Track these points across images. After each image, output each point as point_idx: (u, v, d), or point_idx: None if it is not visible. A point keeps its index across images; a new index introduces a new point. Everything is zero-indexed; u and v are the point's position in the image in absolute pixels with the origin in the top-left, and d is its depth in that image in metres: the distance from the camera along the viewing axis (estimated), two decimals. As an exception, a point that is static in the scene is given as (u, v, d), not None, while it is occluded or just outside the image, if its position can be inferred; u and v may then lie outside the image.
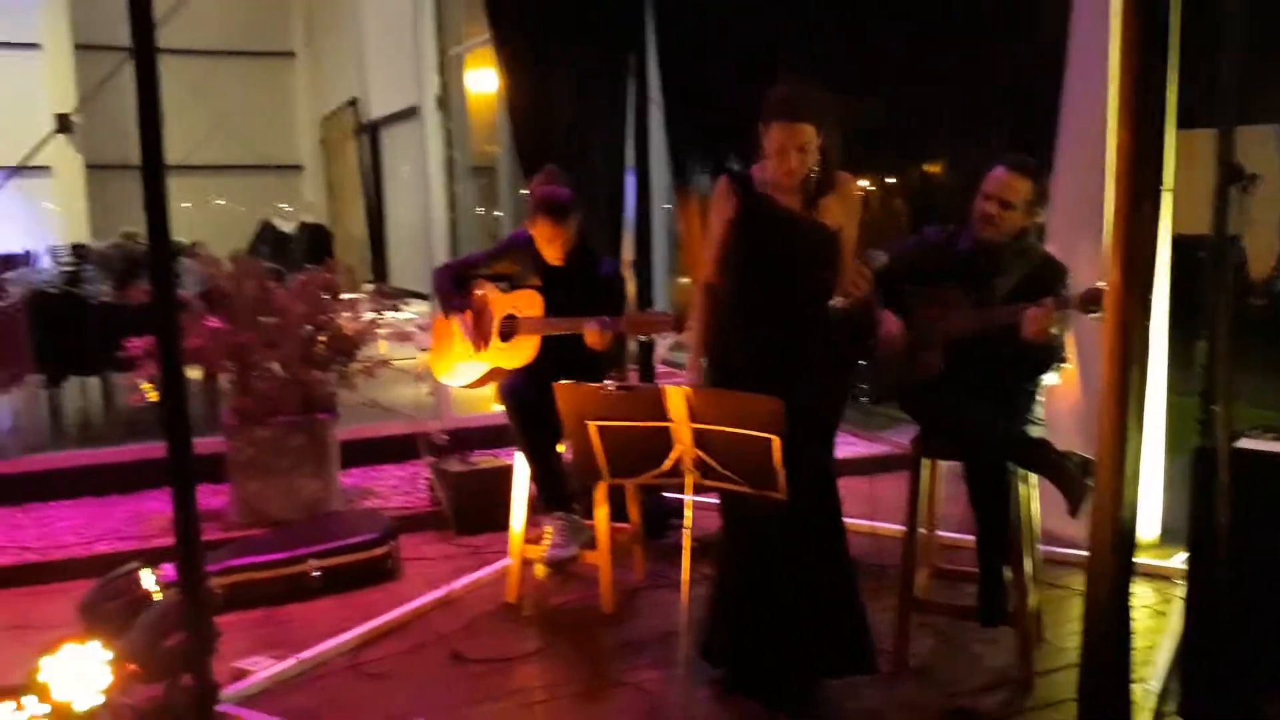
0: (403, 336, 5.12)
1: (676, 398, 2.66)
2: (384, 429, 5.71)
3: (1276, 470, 2.73)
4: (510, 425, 3.81)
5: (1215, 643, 2.79)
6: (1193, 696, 2.90)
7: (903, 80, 6.17)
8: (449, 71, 9.84)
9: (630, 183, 4.96)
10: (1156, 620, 3.63)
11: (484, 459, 4.92)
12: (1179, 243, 3.96)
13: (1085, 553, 2.57)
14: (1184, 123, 3.86)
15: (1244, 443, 2.78)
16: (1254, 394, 3.76)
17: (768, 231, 3.01)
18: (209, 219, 14.80)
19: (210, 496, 4.73)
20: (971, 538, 3.34)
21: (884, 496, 4.09)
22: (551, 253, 3.87)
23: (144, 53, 2.77)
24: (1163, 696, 3.02)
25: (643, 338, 4.80)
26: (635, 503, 4.03)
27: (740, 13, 4.74)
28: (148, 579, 3.37)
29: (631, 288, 4.82)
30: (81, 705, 2.78)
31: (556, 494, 3.82)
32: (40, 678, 2.75)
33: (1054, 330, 3.10)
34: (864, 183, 8.02)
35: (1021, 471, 3.24)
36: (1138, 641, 3.02)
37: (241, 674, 3.30)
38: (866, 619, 3.13)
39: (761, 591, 3.07)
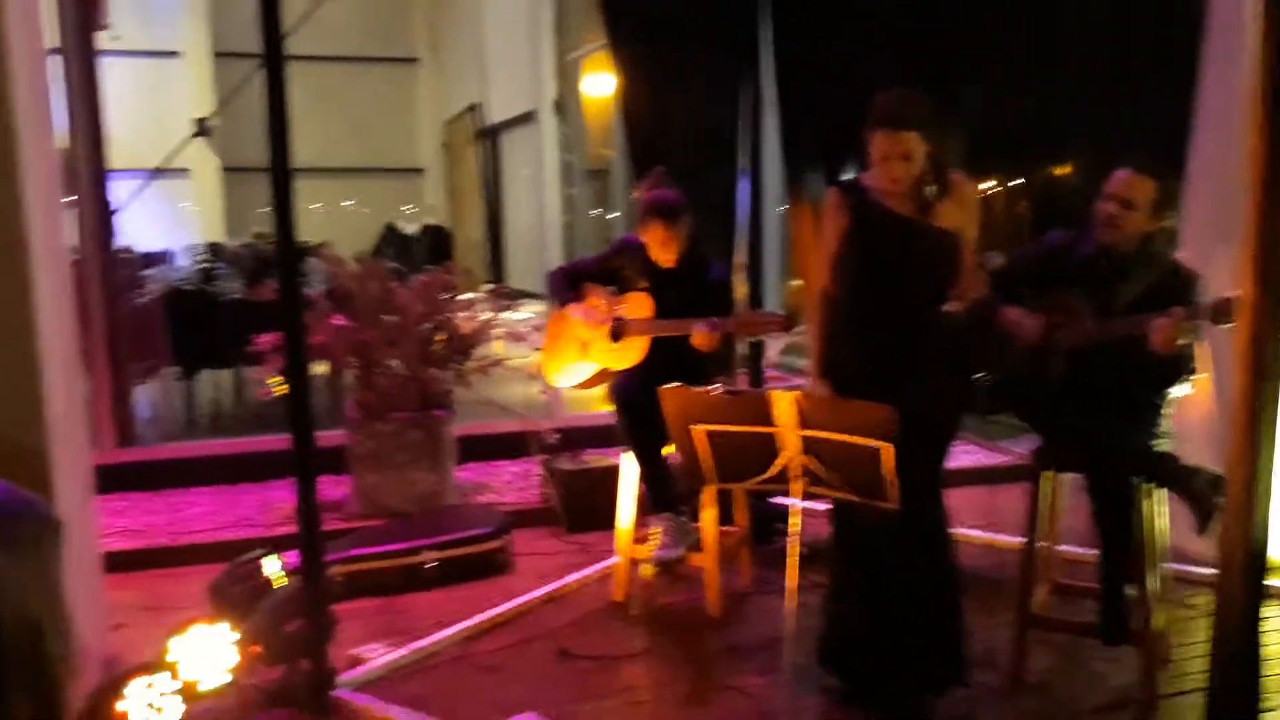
0: (517, 336, 5.21)
1: (784, 403, 2.64)
2: (498, 426, 5.82)
3: None
4: (619, 426, 3.84)
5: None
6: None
7: (1029, 79, 5.99)
8: (566, 76, 10.01)
9: (743, 186, 4.95)
10: (1292, 646, 3.45)
11: (594, 458, 4.98)
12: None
13: (1214, 571, 2.46)
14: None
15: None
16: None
17: (880, 237, 2.97)
18: (336, 220, 15.33)
19: (333, 487, 4.91)
20: (1094, 553, 3.23)
21: (1003, 508, 3.99)
22: (664, 255, 3.90)
23: (273, 60, 2.89)
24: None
25: (752, 339, 4.78)
26: (742, 507, 4.02)
27: (859, 16, 4.68)
28: (272, 565, 3.50)
29: (742, 290, 4.81)
30: (207, 684, 2.91)
31: (664, 495, 3.84)
32: (170, 656, 2.88)
33: (1183, 341, 2.98)
34: (986, 185, 7.83)
35: (1147, 486, 3.12)
36: (1269, 667, 2.87)
37: (357, 660, 3.40)
38: (963, 631, 3.06)
39: (873, 602, 3.02)
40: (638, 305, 3.93)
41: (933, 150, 2.89)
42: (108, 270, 5.62)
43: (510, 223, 14.07)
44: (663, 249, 3.89)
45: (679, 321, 3.73)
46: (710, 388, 2.80)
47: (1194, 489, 2.98)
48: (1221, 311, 2.85)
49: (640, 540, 3.90)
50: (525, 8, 10.30)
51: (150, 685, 2.74)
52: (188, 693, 2.83)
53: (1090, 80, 5.48)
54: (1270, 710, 2.87)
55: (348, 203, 16.56)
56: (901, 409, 2.53)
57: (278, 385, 4.65)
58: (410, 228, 15.66)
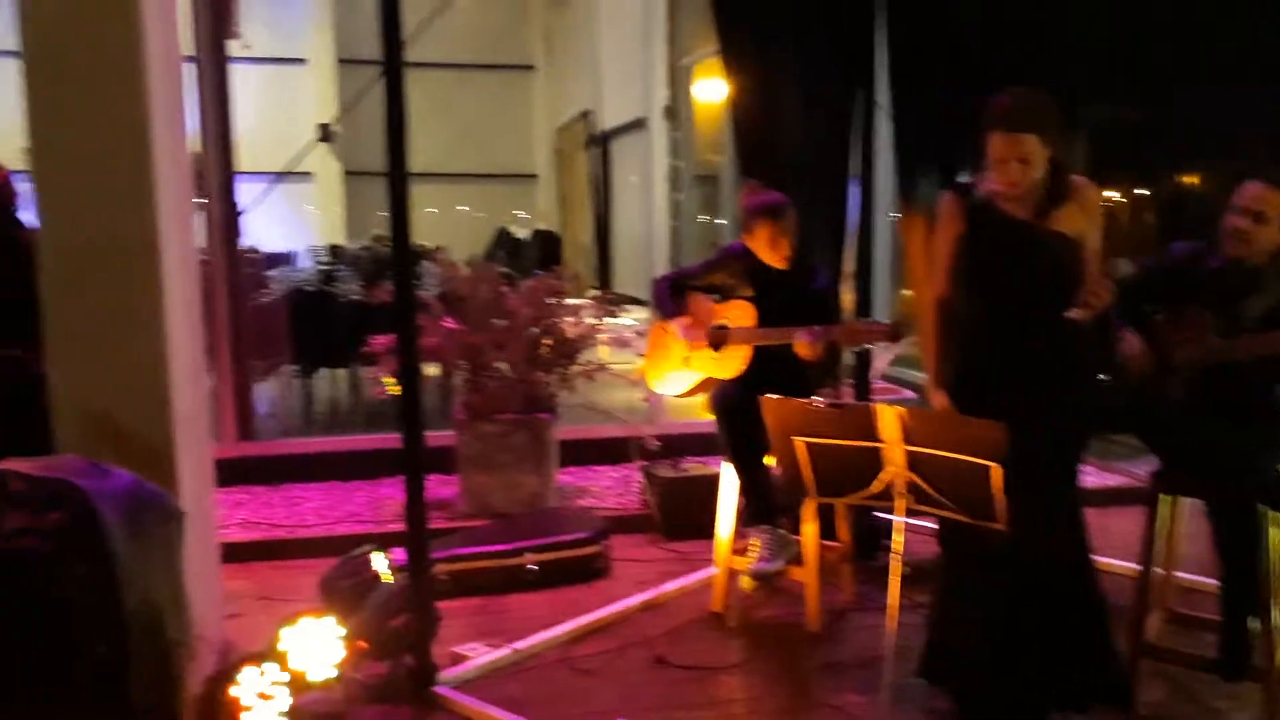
0: (622, 343, 5.24)
1: (889, 417, 2.59)
2: (599, 431, 5.87)
3: None
4: (719, 435, 3.83)
5: None
6: None
7: (1159, 84, 5.76)
8: (677, 82, 10.04)
9: (853, 193, 4.89)
10: None
11: (694, 466, 4.98)
12: None
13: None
14: None
15: None
16: None
17: (998, 243, 2.90)
18: (452, 224, 15.68)
19: (441, 486, 5.02)
20: (1214, 582, 3.09)
21: (1118, 531, 3.84)
22: (774, 256, 3.89)
23: (393, 67, 2.97)
24: None
25: (857, 349, 4.71)
26: (845, 521, 3.96)
27: (978, 18, 4.57)
28: (380, 561, 3.59)
29: (849, 299, 4.75)
30: (315, 675, 3.00)
31: (764, 507, 3.81)
32: (280, 646, 2.98)
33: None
34: (1110, 193, 7.56)
35: (1275, 513, 2.96)
36: None
37: (458, 659, 3.46)
38: (1118, 655, 2.97)
39: (993, 621, 2.94)
40: (740, 314, 3.91)
41: (1054, 155, 2.81)
42: (234, 270, 5.85)
43: (619, 228, 14.17)
44: (773, 249, 3.88)
45: (780, 330, 3.70)
46: (812, 399, 2.77)
47: (1326, 520, 2.82)
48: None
49: (739, 551, 3.88)
50: (638, 15, 10.38)
51: (262, 674, 2.83)
52: (296, 683, 2.90)
53: (1221, 88, 5.25)
54: None
55: (463, 207, 16.91)
56: (1027, 421, 2.46)
57: (391, 385, 4.77)
58: (522, 232, 15.92)
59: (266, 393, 6.92)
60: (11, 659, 2.32)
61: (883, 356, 6.19)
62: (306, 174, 14.58)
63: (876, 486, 2.69)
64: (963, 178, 3.17)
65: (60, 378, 2.89)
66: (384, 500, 5.14)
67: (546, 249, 14.75)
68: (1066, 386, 2.89)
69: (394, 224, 3.05)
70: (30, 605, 2.33)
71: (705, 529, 4.07)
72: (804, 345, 3.63)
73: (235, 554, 4.25)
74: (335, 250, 12.16)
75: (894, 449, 2.62)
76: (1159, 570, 3.30)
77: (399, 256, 3.12)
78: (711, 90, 9.65)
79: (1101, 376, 3.21)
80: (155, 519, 2.61)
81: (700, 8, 7.64)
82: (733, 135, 5.28)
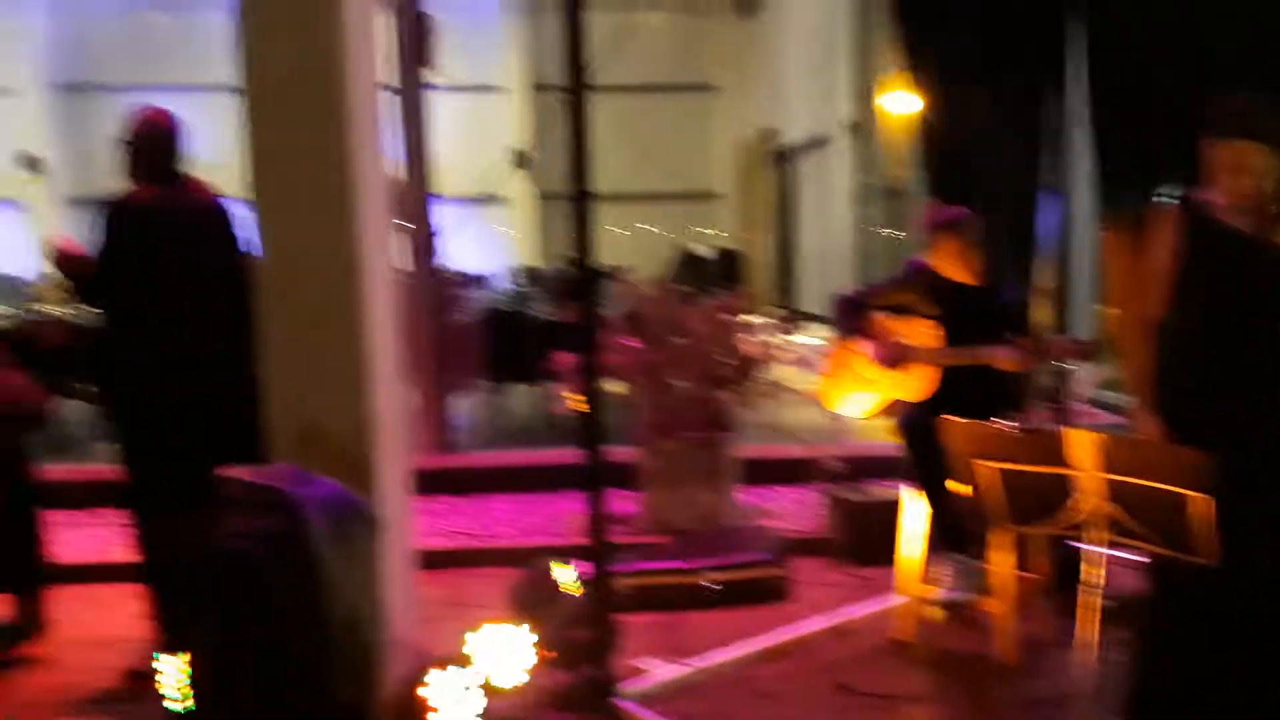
0: (804, 362, 5.20)
1: (1083, 443, 2.46)
2: (778, 450, 5.81)
3: None
4: (905, 459, 3.73)
5: None
6: None
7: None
8: (863, 98, 9.89)
9: (1049, 207, 4.69)
10: None
11: (880, 489, 4.86)
12: None
13: None
14: None
15: None
16: None
17: (1220, 257, 2.73)
18: (636, 244, 15.90)
19: (625, 502, 5.09)
20: None
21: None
22: (963, 271, 3.80)
23: (576, 92, 3.05)
24: None
25: (1054, 367, 4.51)
26: (1042, 551, 3.78)
27: (1186, 23, 4.30)
28: (565, 573, 3.67)
29: (1042, 314, 4.56)
30: (505, 682, 3.10)
31: (951, 534, 3.69)
32: (469, 651, 3.10)
33: None
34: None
35: None
36: None
37: (637, 672, 3.50)
38: None
39: (1202, 669, 2.74)
40: (924, 333, 3.81)
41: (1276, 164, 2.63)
42: (433, 289, 6.14)
43: (802, 246, 14.05)
44: (961, 264, 3.80)
45: (968, 350, 3.59)
46: (997, 421, 2.67)
47: None
48: None
49: (925, 579, 3.76)
50: (824, 34, 10.30)
51: (454, 678, 2.94)
52: (487, 688, 3.00)
53: None
54: None
55: (649, 227, 17.12)
56: (1248, 434, 2.30)
57: (576, 402, 4.88)
58: (705, 250, 15.99)
59: (462, 406, 7.20)
60: (226, 652, 2.51)
61: (1087, 379, 5.88)
62: (502, 198, 15.10)
63: (1068, 516, 2.55)
64: (1166, 188, 3.00)
65: (273, 390, 3.09)
66: (570, 513, 5.25)
67: (729, 267, 14.76)
68: None
69: (577, 246, 3.13)
70: (243, 603, 2.51)
71: (888, 554, 3.97)
72: (1006, 360, 3.50)
73: (429, 562, 4.41)
74: (530, 271, 12.54)
75: (1089, 477, 2.49)
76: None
77: (582, 277, 3.20)
78: (900, 103, 9.46)
79: None
80: (356, 526, 2.76)
81: (887, 24, 7.52)
82: (922, 152, 5.18)
